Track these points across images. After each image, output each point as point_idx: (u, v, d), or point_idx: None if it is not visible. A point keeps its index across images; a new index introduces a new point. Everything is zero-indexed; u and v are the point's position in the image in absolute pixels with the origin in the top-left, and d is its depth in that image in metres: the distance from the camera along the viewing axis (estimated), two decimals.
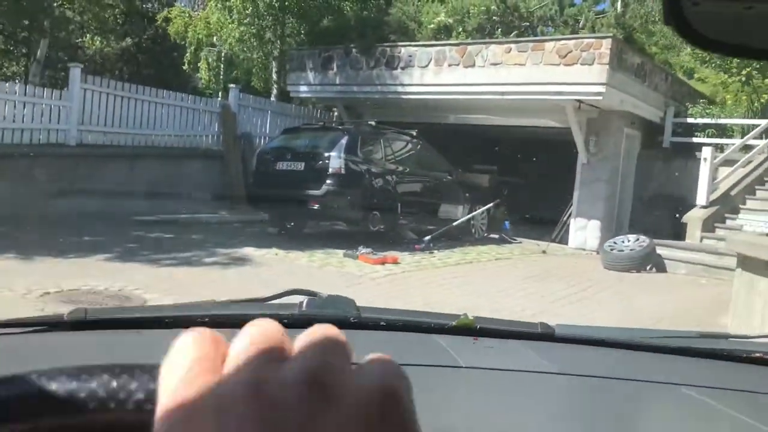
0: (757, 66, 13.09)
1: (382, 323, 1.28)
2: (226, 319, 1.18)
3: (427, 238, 10.25)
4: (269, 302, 1.33)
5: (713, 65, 14.00)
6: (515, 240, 12.23)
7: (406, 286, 7.52)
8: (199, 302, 1.34)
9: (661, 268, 9.29)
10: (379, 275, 7.88)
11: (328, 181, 9.40)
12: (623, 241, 9.57)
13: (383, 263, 8.49)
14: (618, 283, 8.28)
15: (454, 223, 11.21)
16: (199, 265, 7.66)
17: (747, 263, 5.47)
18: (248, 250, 8.71)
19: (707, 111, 12.64)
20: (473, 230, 11.90)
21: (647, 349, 1.37)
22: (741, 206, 10.68)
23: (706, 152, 10.35)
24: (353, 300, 1.28)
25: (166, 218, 10.14)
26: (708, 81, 14.09)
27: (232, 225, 10.83)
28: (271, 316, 0.80)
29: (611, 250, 9.38)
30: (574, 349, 1.32)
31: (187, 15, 16.21)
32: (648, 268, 9.23)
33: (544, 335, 1.32)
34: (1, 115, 9.97)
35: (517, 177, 14.16)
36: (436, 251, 9.99)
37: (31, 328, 1.10)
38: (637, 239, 9.42)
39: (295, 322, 1.15)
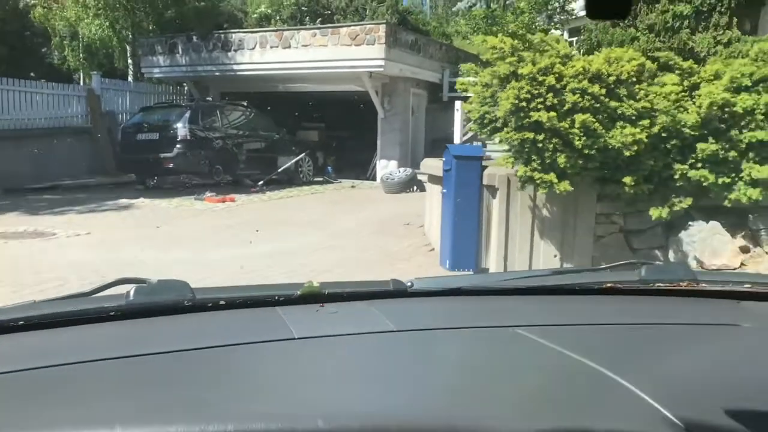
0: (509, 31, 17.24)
1: (221, 302, 1.23)
2: (51, 319, 1.13)
3: (260, 182, 13.71)
4: (93, 296, 1.22)
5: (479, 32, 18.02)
6: (336, 181, 15.90)
7: (238, 213, 10.98)
8: (21, 304, 1.22)
9: (422, 189, 13.23)
10: (218, 209, 11.31)
11: (177, 146, 12.61)
12: (397, 173, 13.47)
13: (224, 201, 11.89)
14: (385, 200, 12.16)
15: (279, 169, 14.65)
16: (87, 212, 10.76)
17: (429, 176, 9.32)
18: (122, 201, 11.84)
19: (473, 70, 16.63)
20: (301, 175, 15.46)
21: (498, 292, 1.41)
22: (488, 142, 14.79)
23: (457, 104, 14.28)
24: (187, 283, 1.22)
25: (53, 184, 13.01)
26: (476, 44, 18.15)
27: (107, 186, 13.75)
28: (96, 311, 1.14)
29: (386, 179, 13.24)
30: (429, 302, 1.32)
31: (47, 7, 18.21)
32: (414, 189, 13.15)
33: (397, 292, 1.31)
34: None
35: (339, 131, 17.81)
36: (268, 192, 13.47)
37: None
38: (405, 170, 13.36)
39: (123, 314, 1.15)
